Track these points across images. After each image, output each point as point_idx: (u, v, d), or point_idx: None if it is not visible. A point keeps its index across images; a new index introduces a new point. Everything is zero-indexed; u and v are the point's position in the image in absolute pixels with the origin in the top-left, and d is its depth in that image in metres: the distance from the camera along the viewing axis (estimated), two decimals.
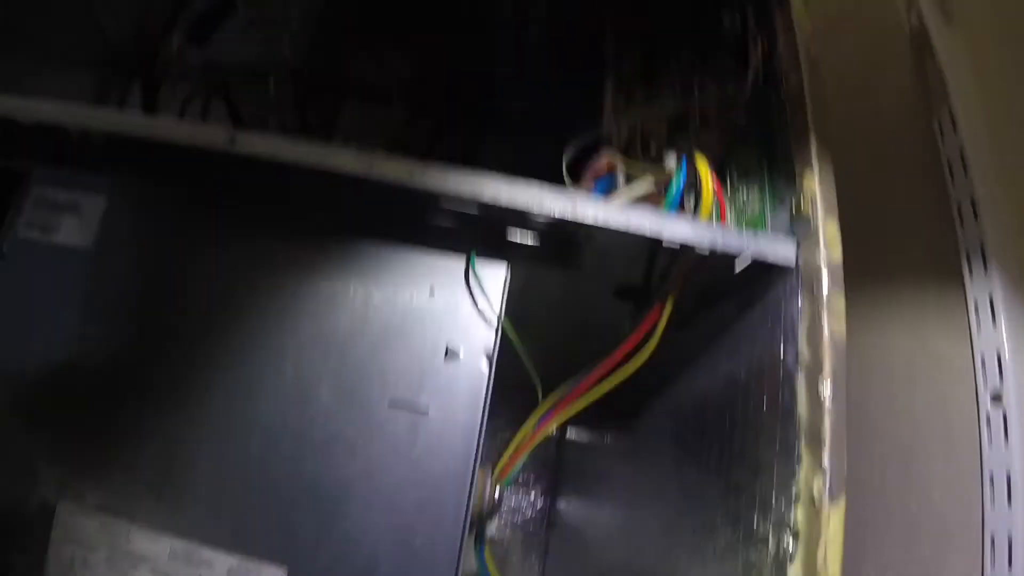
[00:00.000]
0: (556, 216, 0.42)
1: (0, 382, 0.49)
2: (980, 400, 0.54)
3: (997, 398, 0.52)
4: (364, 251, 0.48)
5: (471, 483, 0.44)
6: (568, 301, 0.60)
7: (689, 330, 0.64)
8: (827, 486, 0.42)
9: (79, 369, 0.49)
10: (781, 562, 0.43)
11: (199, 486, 0.45)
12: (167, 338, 0.49)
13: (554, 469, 0.94)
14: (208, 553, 0.44)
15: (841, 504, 0.42)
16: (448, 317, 0.47)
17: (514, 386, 0.52)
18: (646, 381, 0.72)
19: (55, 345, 0.49)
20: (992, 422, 0.52)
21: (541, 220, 0.43)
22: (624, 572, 0.67)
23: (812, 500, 0.42)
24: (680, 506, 0.57)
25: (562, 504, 0.93)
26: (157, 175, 0.53)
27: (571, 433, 0.95)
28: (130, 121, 0.48)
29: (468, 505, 0.44)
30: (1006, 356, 0.52)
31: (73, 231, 0.53)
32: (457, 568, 0.44)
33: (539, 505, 0.92)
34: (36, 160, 0.54)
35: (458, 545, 0.44)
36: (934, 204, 0.60)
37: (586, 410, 0.81)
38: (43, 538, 0.47)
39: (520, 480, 0.90)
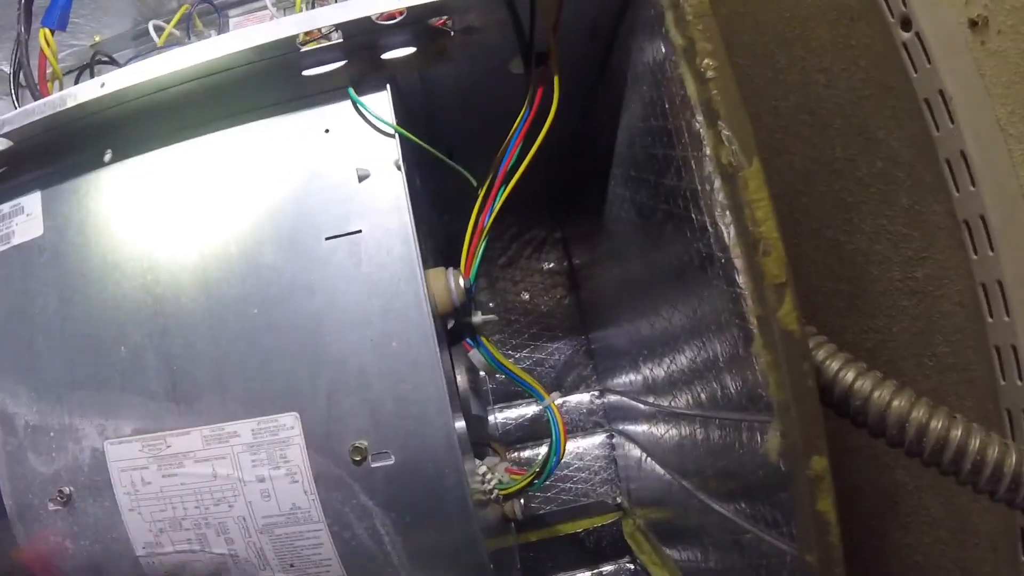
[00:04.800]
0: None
1: (22, 379, 0.62)
2: None
3: None
4: (250, 127, 0.57)
5: (421, 275, 0.52)
6: (468, 93, 0.66)
7: (598, 90, 0.69)
8: (734, 153, 0.47)
9: (78, 336, 0.60)
10: (724, 245, 0.48)
11: (201, 379, 0.55)
12: (134, 278, 0.59)
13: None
14: (231, 426, 0.55)
15: (756, 167, 0.46)
16: (349, 147, 0.54)
17: (453, 189, 0.60)
18: (586, 150, 0.77)
19: (54, 326, 0.61)
20: None
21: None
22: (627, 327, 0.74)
23: (728, 173, 0.47)
24: (653, 262, 0.63)
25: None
26: (61, 151, 0.63)
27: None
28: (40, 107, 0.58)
29: (425, 295, 0.52)
30: None
31: (26, 229, 0.64)
32: (440, 354, 0.52)
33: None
34: None
35: (431, 335, 0.52)
36: None
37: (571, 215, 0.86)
38: (106, 477, 0.59)
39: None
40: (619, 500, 1.01)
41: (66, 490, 0.60)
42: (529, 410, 1.05)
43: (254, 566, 0.57)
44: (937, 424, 0.50)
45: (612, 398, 1.00)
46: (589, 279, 1.02)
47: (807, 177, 0.70)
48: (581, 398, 1.06)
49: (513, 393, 1.04)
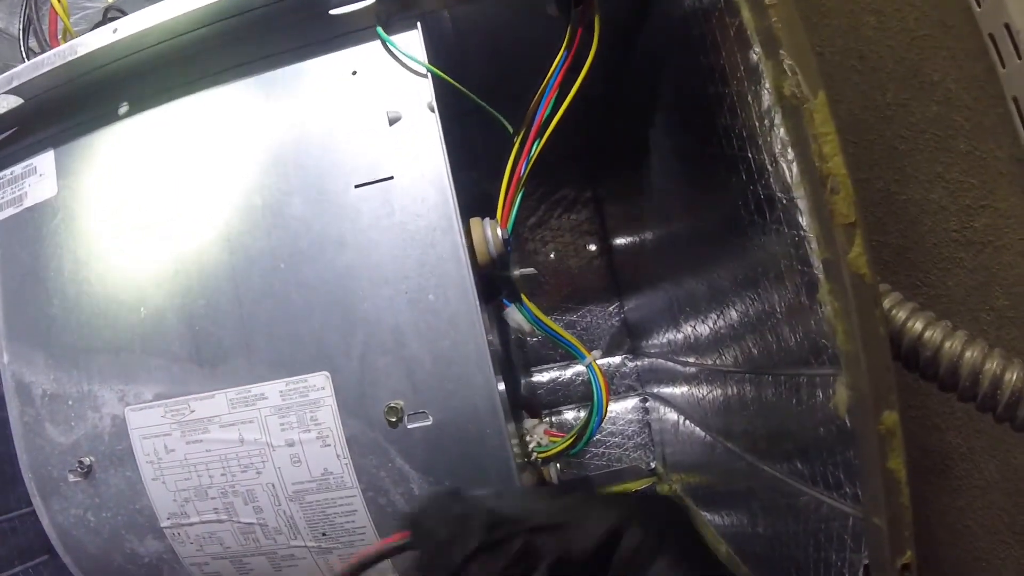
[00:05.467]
0: None
1: (38, 346, 0.58)
2: None
3: None
4: (272, 73, 0.53)
5: (459, 224, 0.48)
6: (498, 38, 0.62)
7: (638, 31, 0.65)
8: (797, 84, 0.42)
9: (95, 299, 0.57)
10: (786, 185, 0.44)
11: (226, 339, 0.52)
12: (153, 236, 0.55)
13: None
14: (258, 388, 0.51)
15: (822, 99, 0.42)
16: (378, 89, 0.50)
17: (480, 143, 0.56)
18: (629, 101, 0.73)
19: (69, 289, 0.57)
20: None
21: None
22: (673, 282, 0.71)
23: (791, 106, 0.42)
24: (700, 210, 0.59)
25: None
26: (74, 107, 0.60)
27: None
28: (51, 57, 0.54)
29: (463, 243, 0.48)
30: None
31: (39, 190, 0.61)
32: (479, 307, 0.48)
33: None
34: None
35: (470, 288, 0.48)
36: None
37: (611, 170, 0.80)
38: (127, 445, 0.56)
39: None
40: (653, 465, 0.98)
41: (86, 460, 0.57)
42: (559, 373, 1.01)
43: (284, 535, 0.54)
44: (1012, 376, 0.46)
45: (646, 361, 0.97)
46: (623, 237, 0.98)
47: (855, 125, 0.66)
48: (613, 361, 1.02)
49: (541, 356, 1.01)
